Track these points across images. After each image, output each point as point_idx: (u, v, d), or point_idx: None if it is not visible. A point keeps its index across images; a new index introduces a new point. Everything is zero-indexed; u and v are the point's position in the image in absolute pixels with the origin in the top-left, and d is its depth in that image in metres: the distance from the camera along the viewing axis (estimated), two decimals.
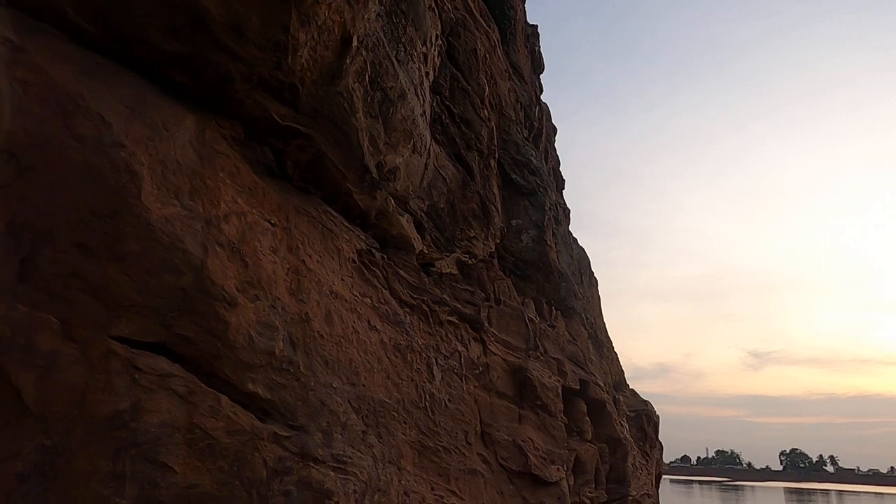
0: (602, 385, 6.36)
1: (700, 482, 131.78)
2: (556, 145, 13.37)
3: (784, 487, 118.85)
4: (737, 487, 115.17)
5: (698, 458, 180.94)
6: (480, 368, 5.23)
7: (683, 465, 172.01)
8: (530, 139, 10.13)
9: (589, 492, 5.43)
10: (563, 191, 16.30)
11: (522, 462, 4.91)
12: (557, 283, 6.97)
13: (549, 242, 6.92)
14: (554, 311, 6.69)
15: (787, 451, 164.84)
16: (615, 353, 15.41)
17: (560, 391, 5.36)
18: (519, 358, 5.45)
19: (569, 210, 17.96)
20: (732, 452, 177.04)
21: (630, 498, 5.79)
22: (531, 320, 5.86)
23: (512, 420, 5.12)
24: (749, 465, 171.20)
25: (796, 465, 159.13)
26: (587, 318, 7.88)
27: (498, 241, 6.27)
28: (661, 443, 11.05)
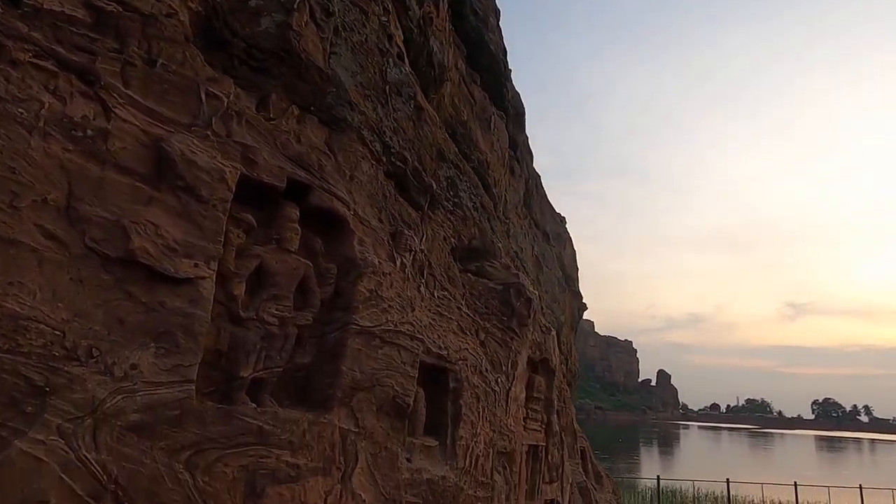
0: (347, 200, 4.85)
1: (729, 429, 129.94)
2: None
3: (815, 435, 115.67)
4: (766, 435, 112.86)
5: (728, 406, 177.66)
6: (90, 132, 3.77)
7: (712, 413, 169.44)
8: None
9: (276, 309, 4.01)
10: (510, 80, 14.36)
11: (123, 248, 3.49)
12: (319, 85, 5.38)
13: (300, 31, 5.31)
14: (294, 110, 5.14)
15: (820, 401, 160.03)
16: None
17: (229, 178, 3.88)
18: (169, 131, 3.97)
19: (523, 111, 16.02)
20: (763, 401, 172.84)
21: (354, 327, 4.35)
22: (214, 96, 4.34)
23: (135, 201, 3.68)
24: (780, 413, 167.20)
25: (829, 415, 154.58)
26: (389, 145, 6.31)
27: (194, 6, 4.71)
28: (548, 329, 9.54)
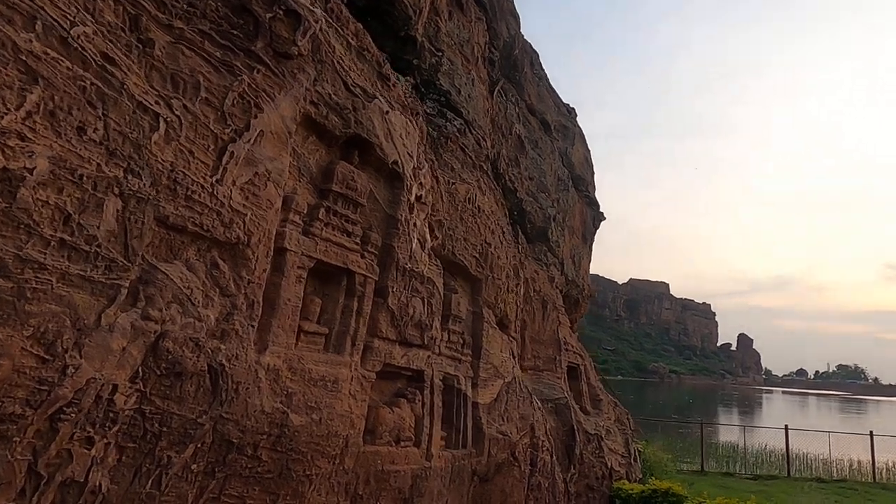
0: None
1: (817, 395, 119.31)
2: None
3: None
4: (859, 401, 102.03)
5: (816, 372, 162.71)
6: None
7: (798, 379, 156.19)
8: None
9: None
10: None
11: None
12: None
13: None
14: None
15: None
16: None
17: None
18: None
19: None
20: (856, 367, 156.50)
21: None
22: None
23: None
24: (875, 380, 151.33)
25: None
26: None
27: None
28: (369, 96, 6.56)
